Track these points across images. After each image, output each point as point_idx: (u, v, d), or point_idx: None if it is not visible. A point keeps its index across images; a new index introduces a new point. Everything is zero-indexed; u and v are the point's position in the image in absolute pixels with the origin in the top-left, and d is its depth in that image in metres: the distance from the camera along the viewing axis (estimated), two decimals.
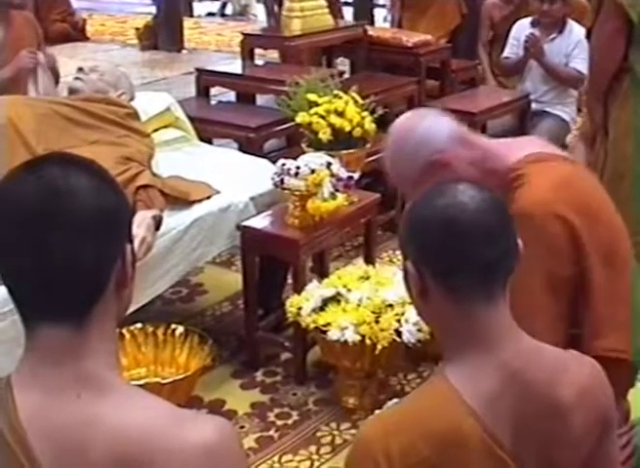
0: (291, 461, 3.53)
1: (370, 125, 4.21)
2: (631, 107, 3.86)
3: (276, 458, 3.54)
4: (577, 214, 2.51)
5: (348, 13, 11.79)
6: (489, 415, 1.71)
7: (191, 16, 14.39)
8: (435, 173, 2.57)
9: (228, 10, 15.16)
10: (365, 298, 3.63)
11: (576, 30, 6.47)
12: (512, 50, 6.78)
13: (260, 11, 14.77)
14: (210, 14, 15.25)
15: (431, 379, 1.86)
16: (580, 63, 6.13)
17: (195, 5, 15.26)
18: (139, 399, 1.44)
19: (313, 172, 3.74)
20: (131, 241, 1.52)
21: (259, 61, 6.56)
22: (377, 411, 2.67)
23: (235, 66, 6.47)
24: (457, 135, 2.67)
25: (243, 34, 6.60)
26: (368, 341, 3.53)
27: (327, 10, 6.54)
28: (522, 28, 6.71)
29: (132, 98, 4.38)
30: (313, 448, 3.60)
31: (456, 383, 1.72)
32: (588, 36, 4.05)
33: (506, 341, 1.75)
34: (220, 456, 1.40)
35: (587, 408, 1.79)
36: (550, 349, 1.85)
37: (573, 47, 6.36)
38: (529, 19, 6.69)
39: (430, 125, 2.65)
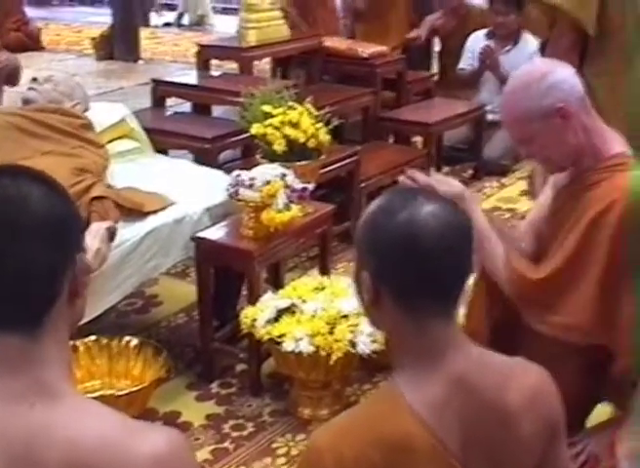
0: None
1: (324, 136, 4.22)
2: None
3: None
4: None
5: None
6: (437, 422, 1.72)
7: (148, 26, 14.35)
8: (553, 120, 2.75)
9: (185, 20, 15.14)
10: (319, 309, 3.64)
11: (530, 42, 6.55)
12: (467, 61, 6.86)
13: (217, 21, 14.81)
14: (166, 24, 15.22)
15: (381, 387, 1.88)
16: None
17: (152, 15, 15.23)
18: (92, 409, 1.44)
19: (268, 183, 3.74)
20: (83, 250, 1.52)
21: (215, 72, 6.54)
22: None
23: (191, 77, 6.45)
24: (585, 99, 2.83)
25: (198, 45, 6.59)
26: (322, 352, 3.53)
27: (283, 21, 6.55)
28: (477, 40, 6.79)
29: (86, 109, 4.36)
30: (269, 460, 3.58)
31: (404, 391, 1.74)
32: (542, 50, 4.09)
33: (454, 351, 1.77)
34: (171, 465, 1.40)
35: (535, 413, 1.81)
36: (498, 357, 1.87)
37: (528, 58, 6.42)
38: (484, 32, 6.77)
39: (568, 76, 2.82)
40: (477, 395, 1.75)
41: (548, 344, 2.87)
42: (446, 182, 2.83)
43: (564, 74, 2.80)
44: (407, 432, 1.71)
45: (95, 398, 3.23)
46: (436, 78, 7.81)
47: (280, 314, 3.68)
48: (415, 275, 1.71)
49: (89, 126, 4.14)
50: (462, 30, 7.31)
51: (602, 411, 3.17)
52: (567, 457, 2.01)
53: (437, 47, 8.25)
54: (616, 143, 2.86)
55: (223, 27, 13.63)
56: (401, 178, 2.83)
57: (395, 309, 1.76)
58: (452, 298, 1.77)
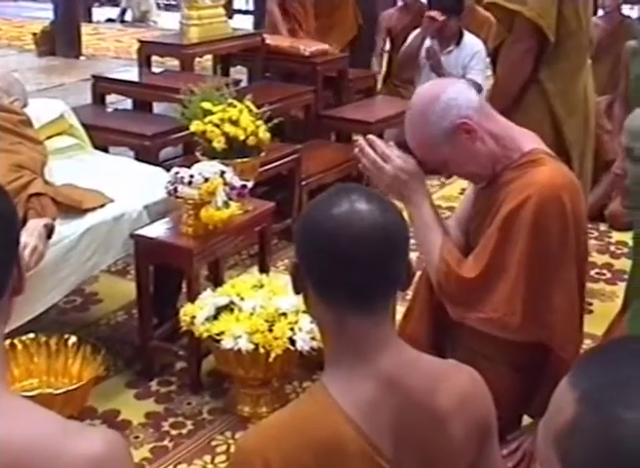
0: None
1: (264, 134, 4.21)
2: (535, 118, 3.97)
3: None
4: (573, 213, 2.74)
5: (249, 21, 11.83)
6: (367, 424, 1.70)
7: (90, 21, 14.24)
8: (458, 138, 2.74)
9: (128, 16, 15.04)
10: (258, 307, 3.64)
11: (472, 42, 6.57)
12: None
13: (160, 18, 14.73)
14: (109, 20, 15.12)
15: (311, 388, 1.85)
16: (477, 75, 6.24)
17: (94, 10, 15.11)
18: (26, 410, 1.42)
19: (207, 180, 3.74)
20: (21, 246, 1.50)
21: (156, 69, 6.51)
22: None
23: (132, 74, 6.41)
24: (483, 106, 2.84)
25: (140, 41, 6.56)
26: (261, 350, 3.55)
27: (225, 18, 6.54)
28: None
29: (25, 105, 4.32)
30: (208, 458, 3.59)
31: (333, 392, 1.71)
32: (496, 52, 4.10)
33: (384, 352, 1.74)
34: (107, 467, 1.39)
35: (467, 415, 1.80)
36: (430, 359, 1.86)
37: (469, 59, 6.47)
38: None
39: (460, 91, 2.79)
40: (408, 397, 1.73)
41: (484, 344, 2.89)
42: (403, 158, 2.84)
43: (455, 89, 2.78)
44: (336, 434, 1.69)
45: (32, 396, 3.24)
46: (383, 76, 7.85)
47: (219, 312, 3.67)
48: (331, 272, 1.69)
49: (27, 122, 4.10)
50: (414, 27, 7.30)
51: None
52: (499, 457, 2.01)
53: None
54: (526, 140, 2.88)
55: (167, 24, 13.57)
56: (360, 141, 2.85)
57: (318, 303, 1.74)
58: (372, 299, 1.73)
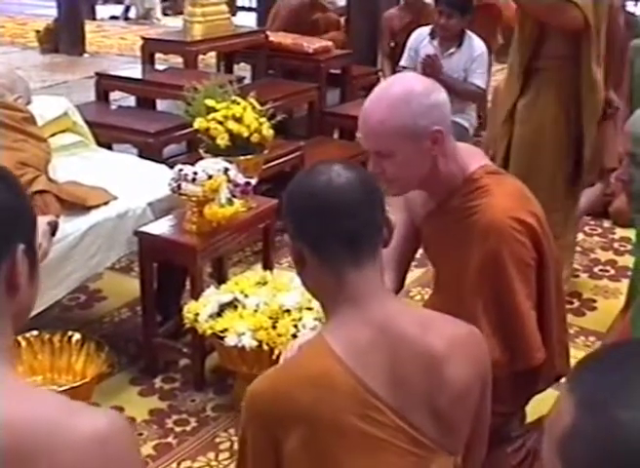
0: None
1: (268, 131, 4.21)
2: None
3: (174, 465, 3.53)
4: (534, 219, 2.70)
5: (252, 18, 11.84)
6: (359, 365, 1.85)
7: (94, 19, 14.26)
8: (422, 142, 2.55)
9: (132, 13, 15.05)
10: (262, 304, 3.64)
11: (474, 44, 6.38)
12: (408, 60, 6.70)
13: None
14: (113, 17, 15.13)
15: (310, 339, 2.09)
16: (479, 78, 6.11)
17: (98, 8, 15.13)
18: (31, 393, 1.43)
19: (210, 177, 3.74)
20: (29, 242, 1.48)
21: (159, 66, 6.52)
22: None
23: (135, 71, 6.42)
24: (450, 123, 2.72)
25: (143, 38, 6.56)
26: (265, 347, 3.54)
27: (228, 15, 6.54)
28: (420, 38, 6.60)
29: (28, 102, 4.32)
30: (212, 455, 3.60)
31: (328, 337, 1.89)
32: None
33: (375, 301, 1.92)
34: (112, 445, 1.37)
35: (461, 359, 1.93)
36: (420, 309, 2.07)
37: (471, 62, 6.29)
38: (427, 30, 6.58)
39: (447, 98, 2.64)
40: (400, 339, 1.89)
41: None
42: None
43: (444, 96, 2.62)
44: (327, 373, 1.85)
45: None
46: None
47: (223, 309, 3.67)
48: (318, 227, 1.89)
49: (31, 119, 4.10)
50: (416, 26, 7.23)
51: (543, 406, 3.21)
52: (489, 410, 2.11)
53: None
54: (468, 161, 2.74)
55: (171, 21, 13.59)
56: None
57: (314, 263, 1.92)
58: (359, 250, 1.91)
